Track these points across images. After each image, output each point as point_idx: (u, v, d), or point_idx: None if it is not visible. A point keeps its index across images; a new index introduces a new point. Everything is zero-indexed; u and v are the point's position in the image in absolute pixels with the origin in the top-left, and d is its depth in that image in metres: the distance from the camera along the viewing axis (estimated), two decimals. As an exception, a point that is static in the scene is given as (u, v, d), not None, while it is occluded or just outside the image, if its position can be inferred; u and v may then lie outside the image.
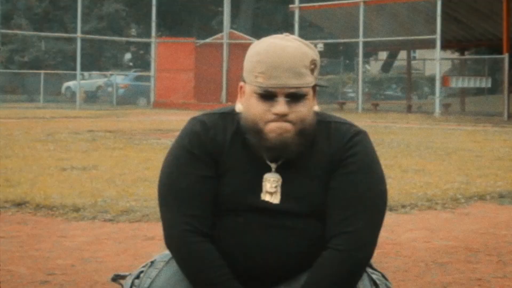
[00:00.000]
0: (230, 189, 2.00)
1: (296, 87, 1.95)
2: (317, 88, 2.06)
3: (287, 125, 1.94)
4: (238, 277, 1.99)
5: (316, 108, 2.03)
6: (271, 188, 1.99)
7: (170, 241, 2.01)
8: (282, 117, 1.94)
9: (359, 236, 1.96)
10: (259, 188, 1.99)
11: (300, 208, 1.99)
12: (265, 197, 1.99)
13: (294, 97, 1.95)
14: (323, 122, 2.06)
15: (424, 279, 3.74)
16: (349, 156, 2.01)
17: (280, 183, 1.99)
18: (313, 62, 1.99)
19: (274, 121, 1.94)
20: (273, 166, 2.01)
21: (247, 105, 2.00)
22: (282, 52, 1.96)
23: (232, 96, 28.32)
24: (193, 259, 1.96)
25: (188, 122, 2.09)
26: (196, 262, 1.96)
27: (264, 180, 2.00)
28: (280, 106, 1.94)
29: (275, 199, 1.98)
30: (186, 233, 1.97)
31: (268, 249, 1.97)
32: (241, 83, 2.04)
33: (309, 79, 1.97)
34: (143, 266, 1.97)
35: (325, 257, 1.95)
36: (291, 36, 2.04)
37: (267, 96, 1.95)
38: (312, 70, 1.99)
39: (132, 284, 1.93)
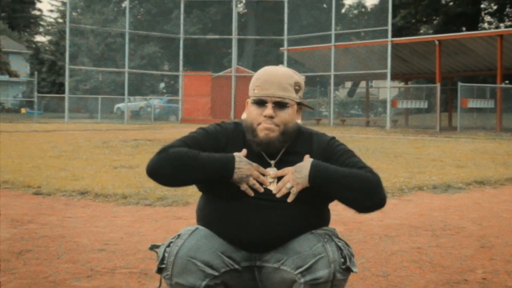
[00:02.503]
0: None
1: (281, 97, 1.98)
2: (302, 108, 2.07)
3: (273, 127, 1.96)
4: (237, 245, 1.97)
5: (299, 121, 2.04)
6: (271, 179, 1.99)
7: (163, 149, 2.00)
8: (269, 118, 1.96)
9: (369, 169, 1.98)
10: None
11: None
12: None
13: (279, 105, 1.98)
14: (307, 133, 2.08)
15: (378, 248, 3.75)
16: (334, 149, 2.04)
17: None
18: (297, 84, 2.02)
19: (264, 123, 1.97)
20: (272, 162, 2.01)
21: (248, 112, 2.04)
22: (273, 72, 2.01)
23: (239, 114, 28.31)
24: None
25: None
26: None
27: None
28: (268, 110, 1.97)
29: (272, 187, 1.98)
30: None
31: (264, 224, 1.95)
32: (247, 100, 2.07)
33: (292, 95, 2.00)
34: (172, 238, 1.97)
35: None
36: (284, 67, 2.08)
37: (260, 102, 1.99)
38: (296, 90, 2.02)
39: (164, 251, 1.93)
